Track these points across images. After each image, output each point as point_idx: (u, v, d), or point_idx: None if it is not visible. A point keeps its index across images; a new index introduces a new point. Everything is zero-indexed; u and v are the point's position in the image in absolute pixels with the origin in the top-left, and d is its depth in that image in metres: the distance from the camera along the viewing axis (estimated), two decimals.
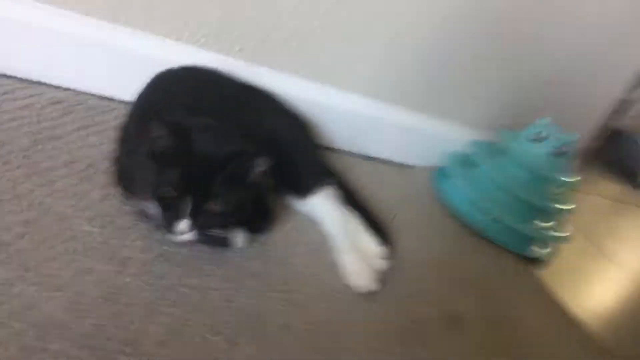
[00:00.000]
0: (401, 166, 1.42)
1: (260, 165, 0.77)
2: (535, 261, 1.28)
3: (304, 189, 0.99)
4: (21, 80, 0.98)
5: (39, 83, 1.00)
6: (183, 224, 0.72)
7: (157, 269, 0.74)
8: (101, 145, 0.92)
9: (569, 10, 1.35)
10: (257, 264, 0.85)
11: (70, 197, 0.78)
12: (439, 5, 1.20)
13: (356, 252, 0.93)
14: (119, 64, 1.03)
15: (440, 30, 1.24)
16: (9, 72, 0.98)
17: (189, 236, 0.74)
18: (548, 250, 1.30)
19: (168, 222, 0.73)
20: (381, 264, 0.94)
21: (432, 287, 1.01)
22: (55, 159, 0.84)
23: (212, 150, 0.75)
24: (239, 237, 0.83)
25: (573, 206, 1.29)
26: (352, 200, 1.05)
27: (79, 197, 0.79)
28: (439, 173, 1.40)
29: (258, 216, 0.90)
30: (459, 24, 1.24)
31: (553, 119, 1.27)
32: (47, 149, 0.85)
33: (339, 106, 1.27)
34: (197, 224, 0.73)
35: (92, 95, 1.05)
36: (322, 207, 0.99)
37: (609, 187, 2.37)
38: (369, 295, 0.89)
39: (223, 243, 0.83)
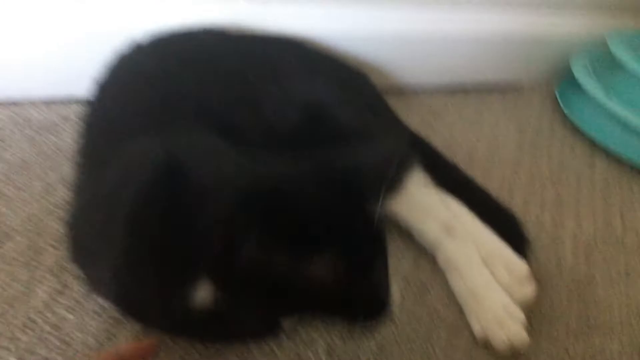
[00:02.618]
0: (507, 90, 1.00)
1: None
2: None
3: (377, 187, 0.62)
4: None
5: None
6: None
7: None
8: None
9: None
10: None
11: None
12: None
13: (487, 280, 0.58)
14: None
15: None
16: None
17: None
18: None
19: None
20: (526, 293, 0.57)
21: (602, 294, 0.65)
22: None
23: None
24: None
25: None
26: (450, 179, 0.68)
27: None
28: (565, 87, 0.98)
29: None
30: None
31: None
32: None
33: (394, 30, 0.85)
34: None
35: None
36: (415, 207, 0.63)
37: None
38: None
39: None
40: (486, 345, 0.55)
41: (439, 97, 0.94)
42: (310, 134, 0.61)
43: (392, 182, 0.61)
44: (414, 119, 0.84)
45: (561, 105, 0.95)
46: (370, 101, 0.73)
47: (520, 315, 0.55)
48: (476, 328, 0.56)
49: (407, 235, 0.64)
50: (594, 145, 0.89)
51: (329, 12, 0.80)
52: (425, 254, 0.63)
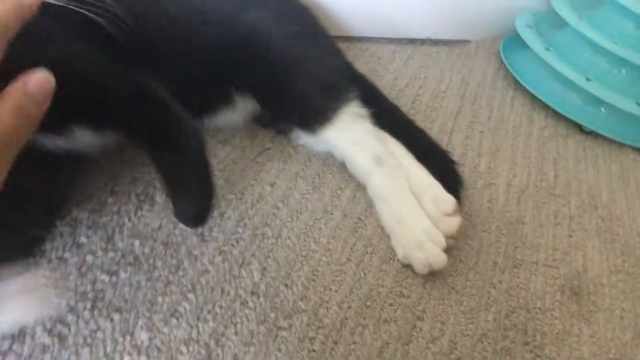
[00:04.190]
0: (453, 44, 1.03)
1: None
2: None
3: (312, 116, 0.65)
4: None
5: None
6: None
7: None
8: None
9: None
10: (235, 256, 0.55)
11: None
12: None
13: (412, 207, 0.61)
14: None
15: None
16: None
17: None
18: None
19: None
20: (451, 224, 0.60)
21: (530, 236, 0.69)
22: None
23: None
24: None
25: None
26: (390, 120, 0.70)
27: None
28: (509, 44, 1.02)
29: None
30: None
31: None
32: None
33: None
34: None
35: None
36: (348, 139, 0.65)
37: None
38: (441, 277, 0.59)
39: None
40: (408, 267, 0.59)
41: (387, 47, 0.96)
42: (240, 54, 0.63)
43: (326, 110, 0.64)
44: (359, 65, 0.86)
45: (504, 60, 0.99)
46: (310, 31, 0.74)
47: (440, 239, 0.58)
48: (399, 251, 0.59)
49: (345, 172, 0.66)
50: (533, 99, 0.93)
51: None
52: (362, 190, 0.66)
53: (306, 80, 0.66)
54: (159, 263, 0.51)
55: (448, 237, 0.59)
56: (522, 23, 0.97)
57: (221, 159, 0.65)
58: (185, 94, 0.57)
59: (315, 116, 0.65)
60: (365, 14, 0.92)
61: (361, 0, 0.90)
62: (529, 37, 0.94)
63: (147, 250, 0.52)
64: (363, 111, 0.67)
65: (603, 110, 0.90)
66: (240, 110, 0.66)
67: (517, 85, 0.95)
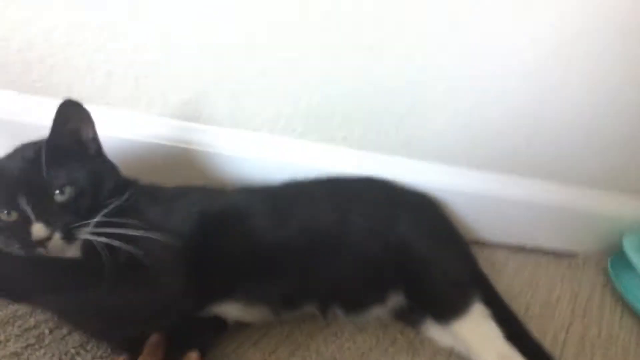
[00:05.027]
0: (561, 254, 1.12)
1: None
2: None
3: (447, 308, 0.75)
4: None
5: None
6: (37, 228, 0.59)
7: None
8: None
9: None
10: None
11: None
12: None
13: None
14: None
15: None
16: None
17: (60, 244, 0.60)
18: None
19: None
20: None
21: None
22: None
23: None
24: None
25: None
26: (508, 324, 0.77)
27: None
28: (618, 261, 1.08)
29: None
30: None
31: None
32: None
33: (469, 187, 1.02)
34: (57, 222, 0.60)
35: None
36: (477, 334, 0.74)
37: None
38: None
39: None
40: None
41: (499, 252, 1.06)
42: (393, 259, 0.76)
43: (458, 304, 0.74)
44: None
45: (612, 278, 1.05)
46: (444, 230, 0.89)
47: None
48: None
49: None
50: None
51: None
52: None
53: (442, 276, 0.78)
54: None
55: None
56: (629, 245, 1.05)
57: (359, 344, 0.74)
58: (350, 296, 0.70)
59: (450, 308, 0.75)
60: (481, 219, 1.04)
61: (480, 207, 1.02)
62: (636, 261, 1.00)
63: None
64: (487, 310, 0.76)
65: None
66: (389, 305, 0.77)
67: (625, 304, 1.00)
